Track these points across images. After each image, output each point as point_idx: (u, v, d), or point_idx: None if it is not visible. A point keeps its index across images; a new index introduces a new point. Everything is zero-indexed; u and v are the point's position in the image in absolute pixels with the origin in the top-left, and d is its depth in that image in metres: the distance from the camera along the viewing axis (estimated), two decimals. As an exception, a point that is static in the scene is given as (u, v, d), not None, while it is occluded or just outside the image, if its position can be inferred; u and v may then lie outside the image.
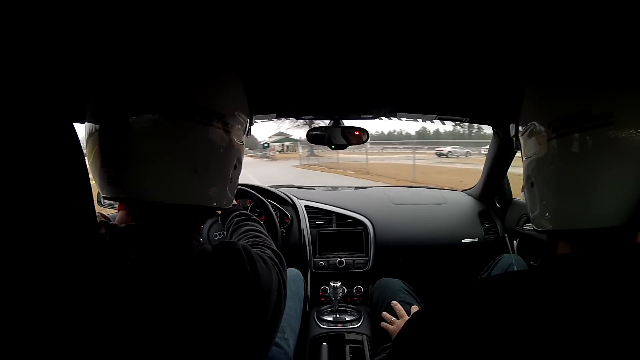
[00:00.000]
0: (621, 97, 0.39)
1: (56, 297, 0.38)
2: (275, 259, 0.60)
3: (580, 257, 0.42)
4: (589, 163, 0.40)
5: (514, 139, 0.56)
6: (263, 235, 0.73)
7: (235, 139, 0.54)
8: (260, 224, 0.82)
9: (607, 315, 0.37)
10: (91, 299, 0.42)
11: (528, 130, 0.48)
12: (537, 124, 0.46)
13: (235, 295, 0.49)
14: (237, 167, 0.57)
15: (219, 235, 1.12)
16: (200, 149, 0.49)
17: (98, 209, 0.57)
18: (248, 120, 0.59)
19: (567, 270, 0.42)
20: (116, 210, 0.57)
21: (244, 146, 0.58)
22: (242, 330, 0.49)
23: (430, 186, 1.82)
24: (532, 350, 0.37)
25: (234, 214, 0.85)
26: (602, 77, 0.40)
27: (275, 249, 0.66)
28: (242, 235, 0.74)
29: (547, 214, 0.45)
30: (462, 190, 1.75)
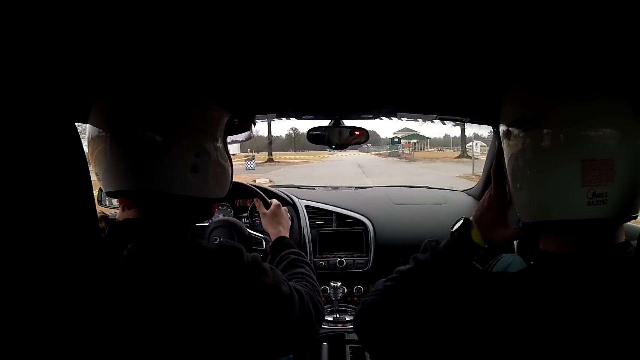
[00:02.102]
0: (546, 102, 0.44)
1: (56, 290, 0.38)
2: (311, 305, 0.62)
3: (563, 257, 0.45)
4: (534, 161, 0.45)
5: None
6: (315, 283, 0.73)
7: (186, 127, 0.56)
8: (313, 270, 0.80)
9: (589, 317, 0.38)
10: (91, 289, 0.43)
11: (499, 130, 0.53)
12: (499, 129, 0.52)
13: (228, 288, 0.50)
14: (201, 155, 0.57)
15: (219, 237, 1.12)
16: (141, 135, 0.53)
17: (99, 208, 0.58)
18: (215, 112, 0.61)
19: (550, 270, 0.43)
20: (115, 210, 0.60)
21: (210, 136, 0.60)
22: (232, 326, 0.50)
23: (430, 186, 1.82)
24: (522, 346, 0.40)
25: (290, 250, 0.83)
26: (536, 85, 0.46)
27: (321, 302, 0.67)
28: (294, 277, 0.73)
29: (524, 208, 0.49)
30: (463, 190, 1.75)
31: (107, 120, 0.55)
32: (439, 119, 1.22)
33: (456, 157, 20.25)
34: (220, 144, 0.62)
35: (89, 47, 0.56)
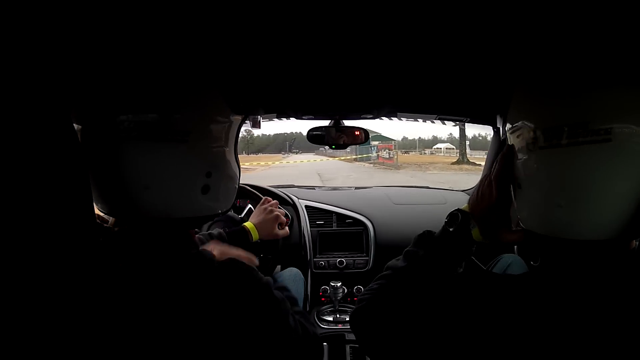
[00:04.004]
0: (622, 111, 0.37)
1: (51, 299, 0.38)
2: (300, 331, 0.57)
3: (571, 260, 0.43)
4: (581, 176, 0.39)
5: (500, 129, 0.56)
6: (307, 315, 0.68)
7: (198, 150, 0.51)
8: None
9: (593, 318, 0.38)
10: (86, 301, 0.42)
11: (517, 131, 0.46)
12: (527, 128, 0.44)
13: (240, 306, 0.49)
14: (214, 174, 0.52)
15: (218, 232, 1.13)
16: (149, 166, 0.47)
17: (98, 210, 0.57)
18: (226, 119, 0.55)
19: (558, 273, 0.43)
20: None
21: (223, 149, 0.55)
22: (238, 345, 0.48)
23: (430, 186, 1.82)
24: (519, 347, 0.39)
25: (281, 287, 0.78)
26: (602, 85, 0.38)
27: (314, 332, 0.61)
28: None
29: (536, 218, 0.45)
30: (463, 191, 1.74)
31: (102, 133, 0.48)
32: (439, 119, 1.22)
33: (453, 163, 15.96)
34: (232, 153, 0.57)
35: (91, 45, 0.55)
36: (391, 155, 16.66)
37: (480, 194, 0.54)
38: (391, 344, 0.52)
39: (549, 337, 0.38)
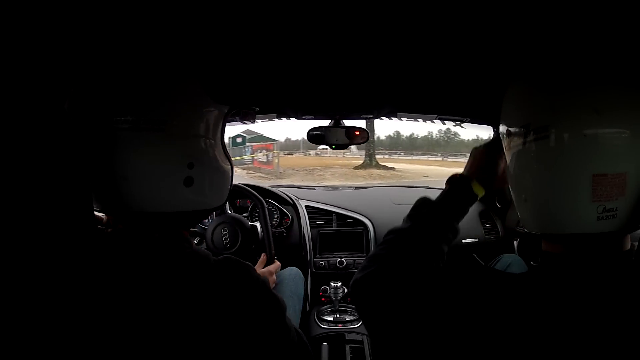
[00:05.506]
0: (557, 111, 0.40)
1: (46, 300, 0.38)
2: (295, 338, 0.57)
3: (565, 260, 0.43)
4: (540, 173, 0.42)
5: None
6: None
7: (176, 140, 0.50)
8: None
9: (589, 319, 0.38)
10: (81, 302, 0.42)
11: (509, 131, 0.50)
12: (501, 132, 0.50)
13: (237, 302, 0.48)
14: (196, 166, 0.51)
15: (223, 234, 1.11)
16: (125, 156, 0.47)
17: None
18: (207, 109, 0.54)
19: (554, 273, 0.43)
20: None
21: (205, 140, 0.54)
22: (235, 342, 0.48)
23: (430, 187, 1.82)
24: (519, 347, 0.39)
25: None
26: (545, 90, 0.42)
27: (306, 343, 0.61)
28: None
29: (529, 220, 0.47)
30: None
31: (78, 124, 0.48)
32: (439, 119, 1.22)
33: (358, 167, 12.85)
34: (218, 146, 0.56)
35: (60, 34, 0.53)
36: (270, 159, 13.02)
37: (472, 158, 0.63)
38: (393, 315, 0.50)
39: (547, 336, 0.38)
